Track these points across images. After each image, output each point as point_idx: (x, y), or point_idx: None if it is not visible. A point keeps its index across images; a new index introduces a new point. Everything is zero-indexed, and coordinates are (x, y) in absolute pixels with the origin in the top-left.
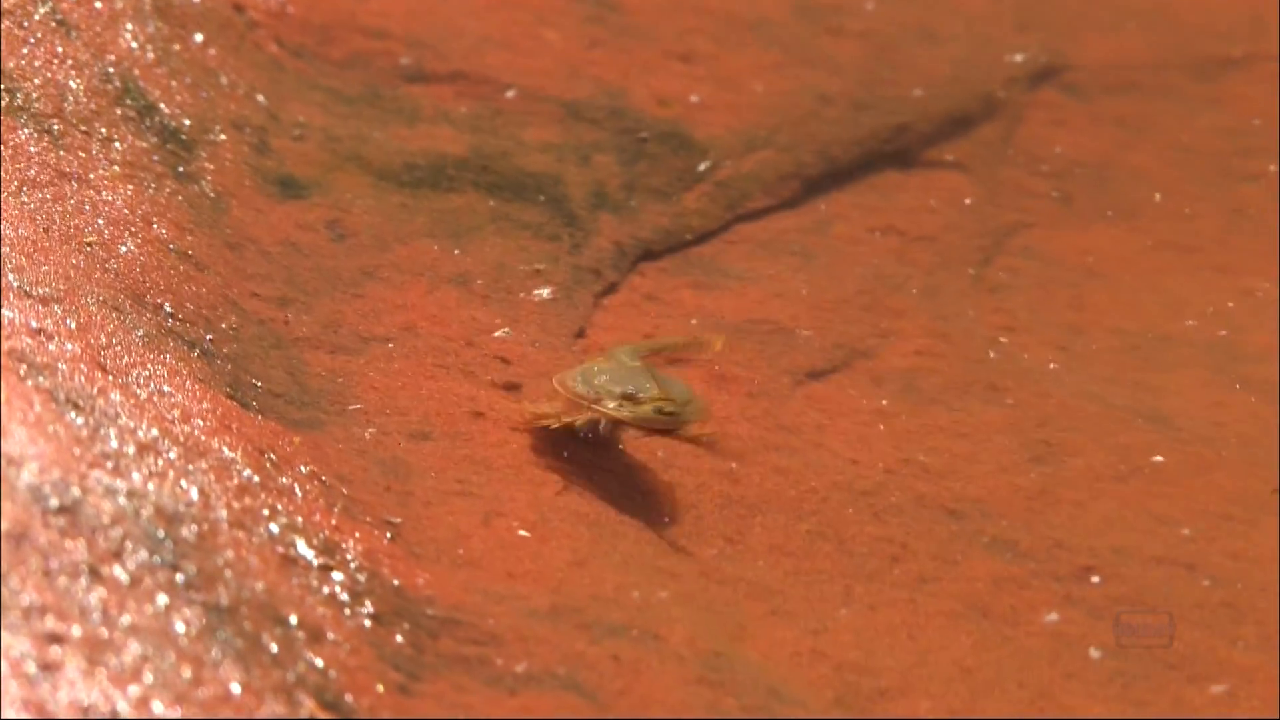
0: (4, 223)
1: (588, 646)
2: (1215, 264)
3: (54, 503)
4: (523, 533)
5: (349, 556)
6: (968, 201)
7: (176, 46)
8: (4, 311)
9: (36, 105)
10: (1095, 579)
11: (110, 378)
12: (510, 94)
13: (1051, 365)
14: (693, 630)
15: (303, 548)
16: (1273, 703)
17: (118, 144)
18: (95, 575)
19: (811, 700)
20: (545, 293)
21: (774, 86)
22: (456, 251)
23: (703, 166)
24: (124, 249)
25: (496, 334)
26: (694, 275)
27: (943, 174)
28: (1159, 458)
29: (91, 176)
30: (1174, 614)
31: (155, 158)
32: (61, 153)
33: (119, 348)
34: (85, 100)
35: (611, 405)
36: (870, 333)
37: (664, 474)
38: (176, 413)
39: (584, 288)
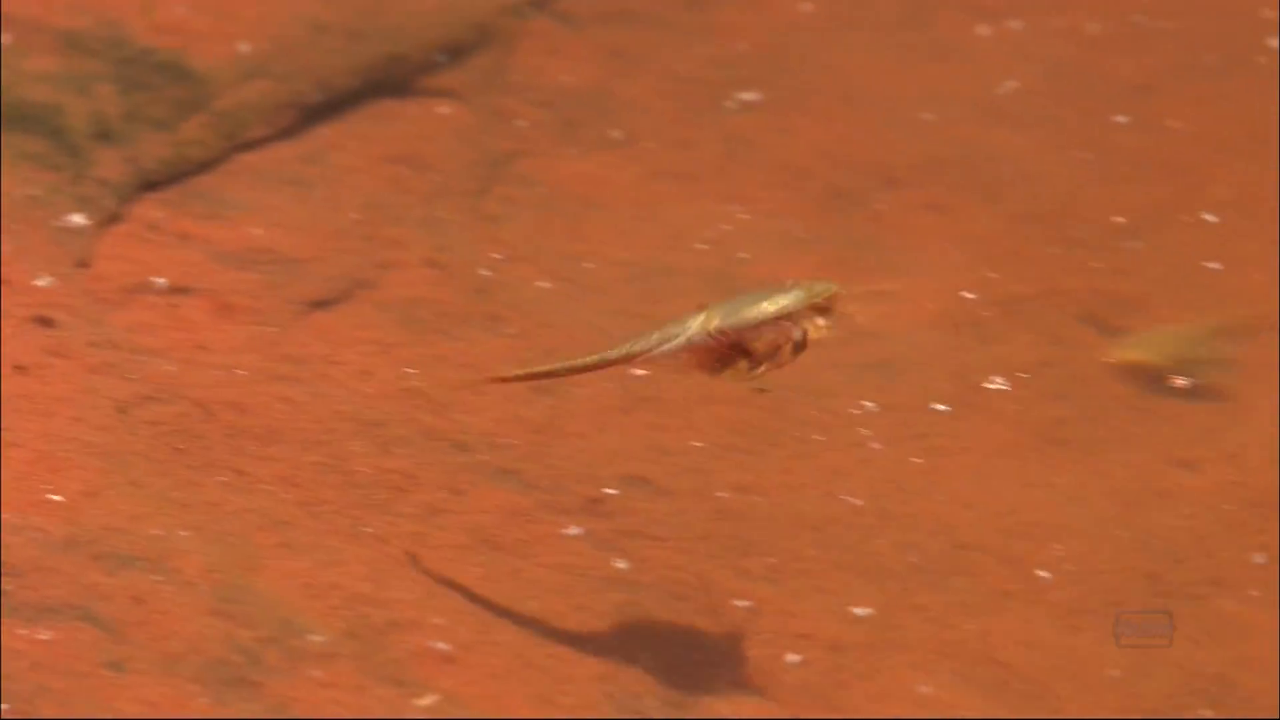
0: None
1: (103, 578)
2: (713, 192)
3: None
4: (35, 463)
5: None
6: (464, 130)
7: None
8: None
9: None
10: (603, 510)
11: None
12: (9, 24)
13: (552, 295)
14: (206, 561)
15: None
16: (786, 634)
17: None
18: None
19: (323, 631)
20: (49, 223)
21: (270, 16)
22: None
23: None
24: None
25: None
26: (196, 205)
27: (439, 103)
28: (662, 388)
29: None
30: (683, 546)
31: None
32: None
33: None
34: None
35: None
36: (371, 262)
37: (170, 404)
38: None
39: (87, 218)
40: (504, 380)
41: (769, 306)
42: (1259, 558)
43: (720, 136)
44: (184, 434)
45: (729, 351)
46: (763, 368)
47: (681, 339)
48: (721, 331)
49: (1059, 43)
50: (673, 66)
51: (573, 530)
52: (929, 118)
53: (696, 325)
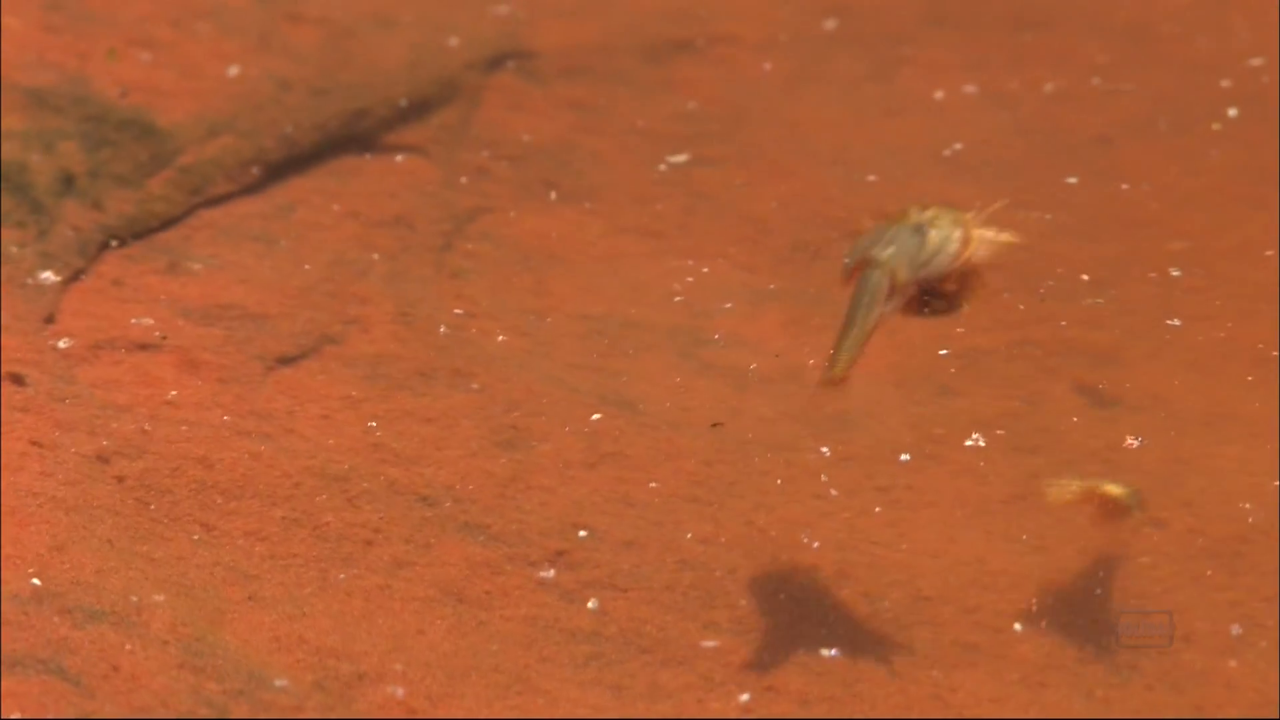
0: None
1: (71, 631)
2: (675, 247)
3: None
4: (3, 517)
5: None
6: (428, 186)
7: None
8: None
9: None
10: (569, 562)
11: None
12: None
13: (516, 350)
14: (174, 615)
15: None
16: (752, 686)
17: None
18: None
19: (292, 684)
20: (15, 279)
21: (234, 73)
22: None
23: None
24: None
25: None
26: (160, 261)
27: (403, 158)
28: (626, 442)
29: None
30: (648, 598)
31: None
32: None
33: None
34: None
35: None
36: (337, 318)
37: (138, 459)
38: None
39: (53, 274)
40: (838, 380)
41: (949, 242)
42: (1236, 629)
43: (682, 191)
44: (151, 489)
45: (922, 296)
46: (955, 303)
47: (891, 296)
48: (911, 283)
49: (1017, 101)
50: (635, 122)
51: (538, 583)
52: (888, 173)
53: (883, 278)
